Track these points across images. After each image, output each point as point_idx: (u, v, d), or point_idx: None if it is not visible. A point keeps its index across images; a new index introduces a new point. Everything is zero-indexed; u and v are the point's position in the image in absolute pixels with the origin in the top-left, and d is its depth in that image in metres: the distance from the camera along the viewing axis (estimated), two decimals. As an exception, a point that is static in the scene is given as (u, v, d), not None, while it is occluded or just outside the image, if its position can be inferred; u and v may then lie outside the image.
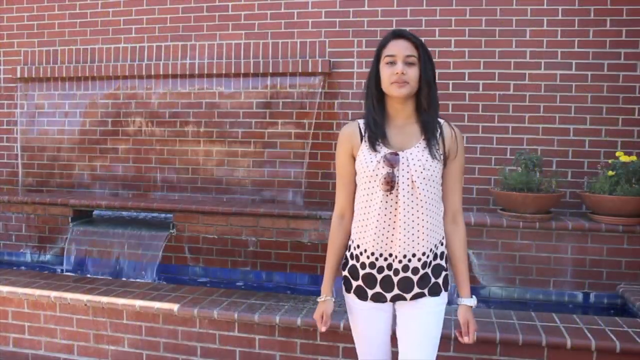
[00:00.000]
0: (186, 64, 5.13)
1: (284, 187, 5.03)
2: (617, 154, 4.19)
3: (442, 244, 2.20)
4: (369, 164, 2.11)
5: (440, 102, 2.21)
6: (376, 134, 2.13)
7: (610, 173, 4.04)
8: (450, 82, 4.58)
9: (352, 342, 3.08)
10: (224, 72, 5.05)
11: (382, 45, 2.15)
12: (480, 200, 4.62)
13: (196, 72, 5.11)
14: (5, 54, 5.68)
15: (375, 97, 2.16)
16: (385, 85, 2.10)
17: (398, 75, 2.05)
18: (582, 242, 4.05)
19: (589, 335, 2.92)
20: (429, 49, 2.18)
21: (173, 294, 3.59)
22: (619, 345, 2.83)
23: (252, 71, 4.98)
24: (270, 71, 4.94)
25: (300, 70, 4.88)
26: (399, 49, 2.09)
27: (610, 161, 4.18)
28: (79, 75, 5.39)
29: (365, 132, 2.18)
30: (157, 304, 3.38)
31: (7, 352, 3.69)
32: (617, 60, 4.45)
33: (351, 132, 2.22)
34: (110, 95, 5.39)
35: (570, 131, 4.53)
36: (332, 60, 4.88)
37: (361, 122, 2.22)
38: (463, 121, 4.54)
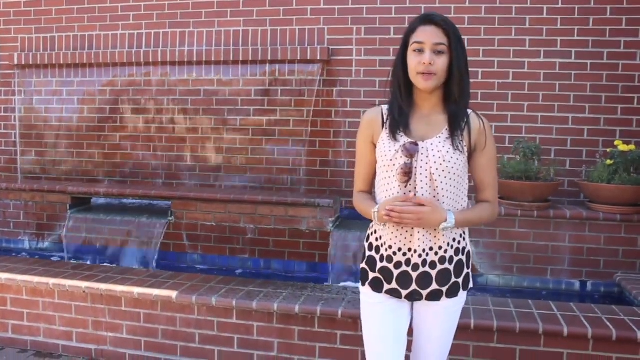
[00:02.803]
0: (184, 51, 5.10)
1: (283, 175, 5.03)
2: (615, 142, 4.19)
3: (463, 239, 2.09)
4: (387, 152, 2.03)
5: None
6: (398, 122, 2.05)
7: (609, 162, 4.04)
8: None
9: (350, 329, 3.11)
10: (222, 59, 5.02)
11: (410, 31, 2.03)
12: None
13: (194, 59, 5.08)
14: (3, 40, 5.64)
15: (403, 83, 2.06)
16: (412, 74, 2.00)
17: (425, 66, 1.95)
18: (580, 230, 4.06)
19: (585, 323, 2.94)
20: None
21: (171, 281, 3.60)
22: (615, 333, 2.85)
23: (250, 58, 4.96)
24: (269, 58, 4.91)
25: (299, 58, 4.86)
26: (428, 36, 1.98)
27: (608, 150, 4.19)
28: (77, 62, 5.35)
29: (387, 119, 2.09)
30: (155, 291, 3.39)
31: (6, 339, 3.71)
32: (617, 49, 4.43)
33: (373, 118, 2.13)
34: (108, 82, 5.37)
35: (569, 120, 4.53)
36: (331, 47, 4.85)
37: (385, 107, 2.13)
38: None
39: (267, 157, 5.05)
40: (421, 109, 2.08)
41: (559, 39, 4.50)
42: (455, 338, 2.99)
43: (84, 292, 3.51)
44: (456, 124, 2.03)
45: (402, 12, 4.66)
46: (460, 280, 2.08)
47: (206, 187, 5.13)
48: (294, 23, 4.94)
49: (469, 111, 2.09)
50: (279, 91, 4.97)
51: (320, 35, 4.89)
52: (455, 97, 2.03)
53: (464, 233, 2.11)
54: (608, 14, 4.42)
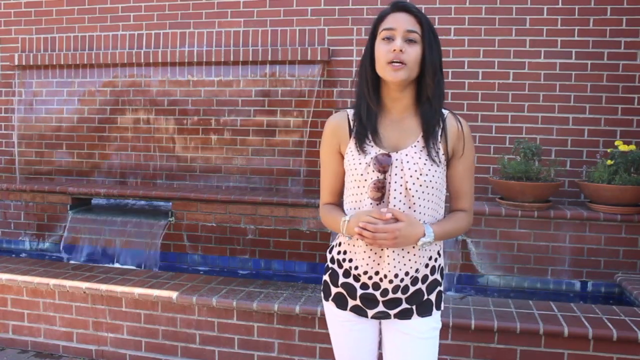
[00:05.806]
0: (185, 52, 5.10)
1: (283, 176, 5.03)
2: (616, 143, 4.19)
3: (439, 255, 1.90)
4: (357, 165, 1.81)
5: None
6: (366, 128, 1.82)
7: (609, 162, 4.04)
8: (450, 70, 4.55)
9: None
10: (222, 59, 5.02)
11: (379, 19, 1.83)
12: (479, 189, 4.61)
13: (195, 59, 5.08)
14: (3, 41, 5.65)
15: (371, 81, 1.83)
16: (380, 65, 1.77)
17: (395, 54, 1.72)
18: (580, 231, 4.05)
19: (586, 323, 2.94)
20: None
21: (172, 281, 3.59)
22: (615, 334, 2.85)
23: (251, 59, 4.95)
24: (269, 59, 4.92)
25: (299, 58, 4.86)
26: (399, 22, 1.76)
27: (609, 150, 4.18)
28: (77, 62, 5.36)
29: (354, 126, 1.86)
30: (156, 292, 3.39)
31: (7, 339, 3.70)
32: (617, 49, 4.43)
33: (338, 124, 1.90)
34: (108, 83, 5.37)
35: (570, 120, 4.52)
36: (331, 48, 4.85)
37: (351, 112, 1.90)
38: (462, 110, 4.51)
39: (267, 158, 5.05)
40: (391, 112, 1.86)
41: (559, 39, 4.50)
42: (455, 338, 3.00)
43: (85, 292, 3.51)
44: (431, 128, 1.81)
45: (402, 13, 4.66)
46: (433, 297, 1.88)
47: (207, 188, 5.13)
48: (294, 24, 4.94)
49: (445, 112, 1.86)
50: (279, 92, 4.97)
51: (321, 36, 4.89)
52: (427, 95, 1.80)
53: (440, 250, 1.91)
54: (608, 14, 4.42)
